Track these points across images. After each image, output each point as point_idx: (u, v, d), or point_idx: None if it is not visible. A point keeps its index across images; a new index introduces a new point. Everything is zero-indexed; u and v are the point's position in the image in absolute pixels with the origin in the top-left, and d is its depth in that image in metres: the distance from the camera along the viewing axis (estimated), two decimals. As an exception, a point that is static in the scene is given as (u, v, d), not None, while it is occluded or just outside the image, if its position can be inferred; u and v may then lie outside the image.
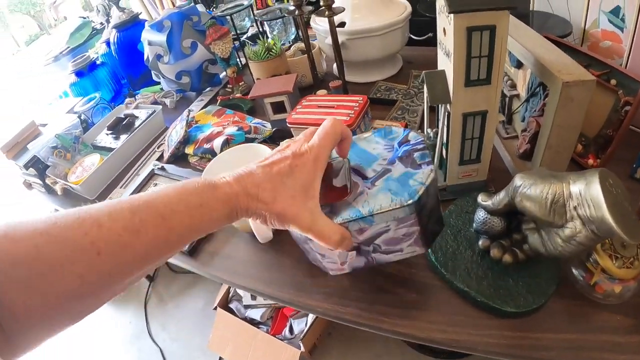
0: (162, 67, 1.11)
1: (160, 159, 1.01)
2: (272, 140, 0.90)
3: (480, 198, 0.55)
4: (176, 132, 0.96)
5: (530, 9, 1.03)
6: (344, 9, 0.87)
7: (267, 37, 1.03)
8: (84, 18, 2.21)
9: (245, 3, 1.13)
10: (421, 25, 1.37)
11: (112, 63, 1.47)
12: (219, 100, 1.08)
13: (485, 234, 0.56)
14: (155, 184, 0.93)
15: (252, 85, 1.12)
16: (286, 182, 0.40)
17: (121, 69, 1.44)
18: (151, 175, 0.95)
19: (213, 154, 0.88)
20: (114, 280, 0.32)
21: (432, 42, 1.25)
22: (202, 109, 1.12)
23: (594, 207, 0.40)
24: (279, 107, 0.87)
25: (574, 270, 0.53)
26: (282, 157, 0.41)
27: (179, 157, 0.97)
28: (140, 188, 0.93)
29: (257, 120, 0.98)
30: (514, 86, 0.77)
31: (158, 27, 1.10)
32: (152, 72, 1.17)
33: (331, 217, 0.43)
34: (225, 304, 1.47)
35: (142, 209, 0.33)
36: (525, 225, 0.52)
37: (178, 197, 0.35)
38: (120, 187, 0.98)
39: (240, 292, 1.45)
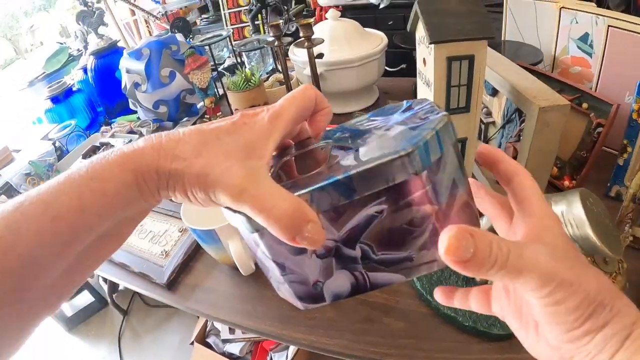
0: (139, 95, 1.10)
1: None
2: None
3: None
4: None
5: (502, 38, 1.07)
6: (323, 41, 0.88)
7: (245, 67, 1.03)
8: (61, 44, 2.19)
9: (224, 34, 1.14)
10: (396, 56, 1.41)
11: (88, 90, 1.45)
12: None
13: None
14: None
15: (229, 115, 1.13)
16: (222, 138, 0.27)
17: (98, 97, 1.42)
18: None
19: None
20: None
21: (406, 73, 1.28)
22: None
23: (577, 226, 0.41)
24: None
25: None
26: (227, 118, 0.29)
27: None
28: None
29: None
30: (489, 113, 0.79)
31: (137, 55, 1.10)
32: (130, 101, 1.15)
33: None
34: (202, 339, 1.43)
35: (27, 199, 0.25)
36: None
37: (66, 175, 0.26)
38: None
39: (218, 325, 1.41)
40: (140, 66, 1.08)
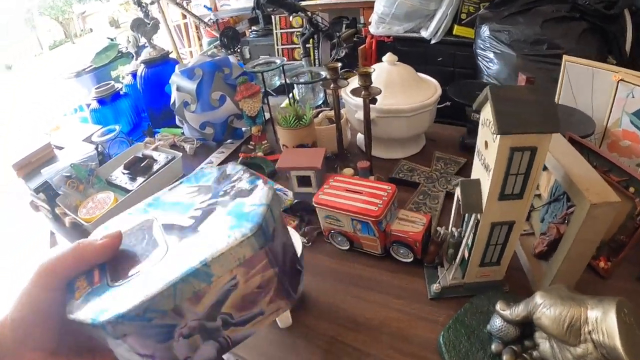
0: (187, 114, 1.12)
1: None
2: (292, 211, 0.89)
3: (499, 307, 0.57)
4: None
5: (556, 99, 1.05)
6: (380, 91, 0.87)
7: (297, 102, 1.03)
8: (111, 39, 2.26)
9: (277, 62, 1.15)
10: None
11: (135, 95, 1.49)
12: (240, 158, 1.08)
13: (499, 339, 0.58)
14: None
15: (274, 145, 1.13)
16: None
17: (144, 103, 1.45)
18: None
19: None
20: None
21: (451, 114, 1.24)
22: (221, 162, 1.12)
23: (607, 336, 0.43)
24: (304, 181, 0.86)
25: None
26: None
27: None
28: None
29: (278, 186, 0.98)
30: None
31: (189, 74, 1.12)
32: (177, 118, 1.17)
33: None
34: None
35: None
36: (539, 334, 0.54)
37: None
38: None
39: None
40: (191, 86, 1.10)
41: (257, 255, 0.32)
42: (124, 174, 1.12)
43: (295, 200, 0.90)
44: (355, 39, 2.13)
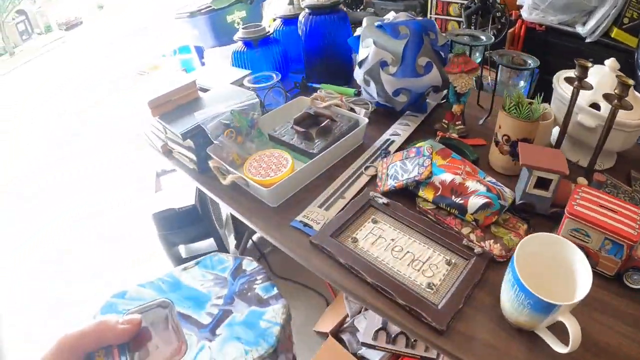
0: (383, 76, 0.97)
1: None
2: (516, 211, 0.79)
3: None
4: (410, 164, 0.82)
5: None
6: (632, 107, 0.76)
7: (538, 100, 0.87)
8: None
9: (483, 38, 0.99)
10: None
11: (287, 43, 1.34)
12: (439, 137, 0.93)
13: None
14: (375, 220, 0.78)
15: (469, 128, 1.01)
16: None
17: (301, 54, 1.30)
18: (367, 207, 0.80)
19: (463, 211, 0.73)
20: None
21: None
22: (414, 140, 0.98)
23: None
24: (541, 184, 0.76)
25: None
26: None
27: (394, 193, 0.83)
28: (354, 219, 0.78)
29: (490, 178, 0.84)
30: None
31: (392, 30, 0.96)
32: (360, 77, 1.02)
33: None
34: (336, 333, 1.37)
35: None
36: None
37: None
38: (320, 207, 0.83)
39: (359, 326, 1.31)
40: (397, 45, 0.95)
41: None
42: (294, 130, 0.98)
43: (521, 201, 0.78)
44: (502, 21, 1.91)
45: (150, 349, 0.35)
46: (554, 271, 0.61)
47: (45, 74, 5.09)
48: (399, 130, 1.02)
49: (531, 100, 0.86)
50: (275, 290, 0.40)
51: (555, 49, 1.87)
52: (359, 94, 1.14)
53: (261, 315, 0.37)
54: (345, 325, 1.37)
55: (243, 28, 1.30)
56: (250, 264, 0.43)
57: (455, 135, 0.97)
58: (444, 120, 1.01)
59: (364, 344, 1.25)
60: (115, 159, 2.83)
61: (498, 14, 1.51)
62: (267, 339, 0.35)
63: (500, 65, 1.00)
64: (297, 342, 1.45)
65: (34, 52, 5.89)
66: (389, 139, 1.00)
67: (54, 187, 2.74)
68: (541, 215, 0.78)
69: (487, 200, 0.73)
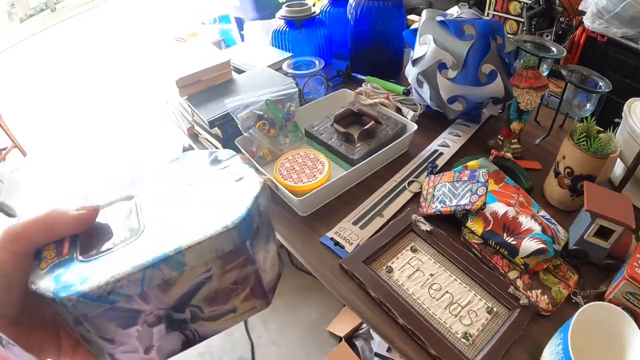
0: (440, 79, 0.87)
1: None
2: (567, 256, 0.70)
3: None
4: (461, 188, 0.73)
5: None
6: None
7: (611, 131, 0.75)
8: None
9: (554, 49, 0.86)
10: None
11: (333, 26, 1.23)
12: (493, 155, 0.83)
13: None
14: (414, 249, 0.70)
15: (523, 147, 0.91)
16: None
17: (349, 40, 1.19)
18: (407, 231, 0.72)
19: (514, 253, 0.64)
20: None
21: None
22: (463, 154, 0.88)
23: None
24: (602, 232, 0.66)
25: None
26: None
27: (437, 218, 0.74)
28: (391, 244, 0.70)
29: (544, 213, 0.75)
30: None
31: (456, 28, 0.85)
32: (415, 77, 0.91)
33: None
34: (349, 338, 1.32)
35: None
36: None
37: None
38: (355, 224, 0.75)
39: (375, 336, 1.26)
40: (461, 47, 0.84)
41: (237, 249, 0.30)
42: (334, 128, 0.89)
43: (574, 247, 0.69)
44: (563, 26, 1.73)
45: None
46: (608, 347, 0.54)
47: (84, 32, 5.07)
48: (448, 141, 0.92)
49: (600, 129, 0.75)
50: (252, 170, 0.34)
51: (615, 64, 1.71)
52: (408, 93, 1.04)
53: (232, 192, 0.32)
54: (360, 332, 1.32)
55: (287, 6, 1.19)
56: (228, 154, 0.37)
57: (509, 155, 0.86)
58: (499, 137, 0.90)
59: (378, 355, 1.19)
60: (142, 130, 2.79)
61: (561, 19, 1.35)
62: (235, 211, 0.30)
63: (568, 82, 0.88)
64: (309, 340, 1.40)
65: (75, 10, 5.86)
66: (437, 150, 0.90)
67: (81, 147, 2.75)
68: (592, 263, 0.69)
69: (542, 246, 0.63)
